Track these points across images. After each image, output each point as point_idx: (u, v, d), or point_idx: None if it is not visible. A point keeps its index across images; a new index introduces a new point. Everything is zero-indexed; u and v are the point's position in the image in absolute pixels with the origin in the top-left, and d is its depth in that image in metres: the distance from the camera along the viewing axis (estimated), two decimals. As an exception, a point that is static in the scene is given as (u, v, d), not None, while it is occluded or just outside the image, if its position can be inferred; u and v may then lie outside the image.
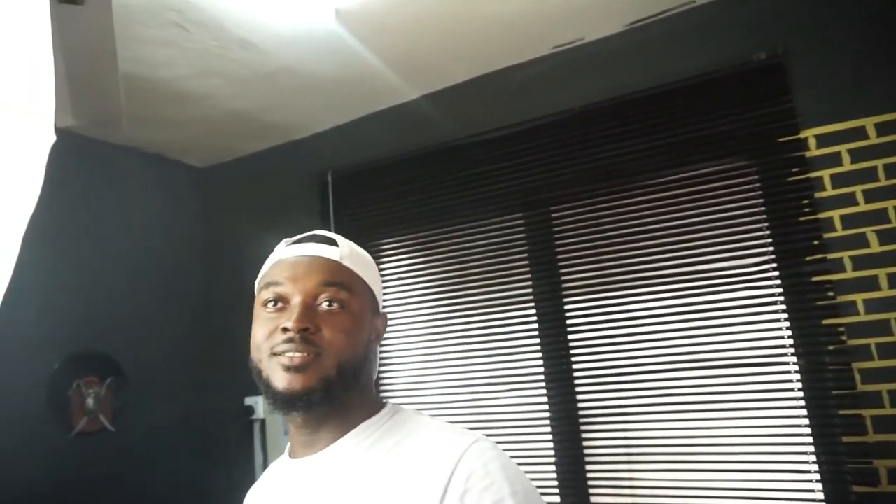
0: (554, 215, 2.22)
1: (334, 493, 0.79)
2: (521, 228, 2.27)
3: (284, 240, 0.92)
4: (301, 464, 0.85)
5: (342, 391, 0.82)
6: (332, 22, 1.85)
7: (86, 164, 2.53)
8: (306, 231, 0.91)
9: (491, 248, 2.30)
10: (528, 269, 2.24)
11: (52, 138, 0.99)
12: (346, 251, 0.88)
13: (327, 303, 0.83)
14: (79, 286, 2.44)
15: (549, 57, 2.23)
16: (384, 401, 0.90)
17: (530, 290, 2.22)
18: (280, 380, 0.80)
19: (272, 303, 0.84)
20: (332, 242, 0.88)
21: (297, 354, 0.79)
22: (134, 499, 2.41)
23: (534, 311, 2.21)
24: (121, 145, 2.66)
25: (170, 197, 2.89)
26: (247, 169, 2.96)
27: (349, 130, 2.66)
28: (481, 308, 2.31)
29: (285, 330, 0.80)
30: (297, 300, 0.82)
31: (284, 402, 0.80)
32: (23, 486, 2.09)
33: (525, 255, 2.25)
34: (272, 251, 0.91)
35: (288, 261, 0.87)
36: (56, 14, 0.92)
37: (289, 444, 0.92)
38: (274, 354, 0.81)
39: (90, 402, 2.42)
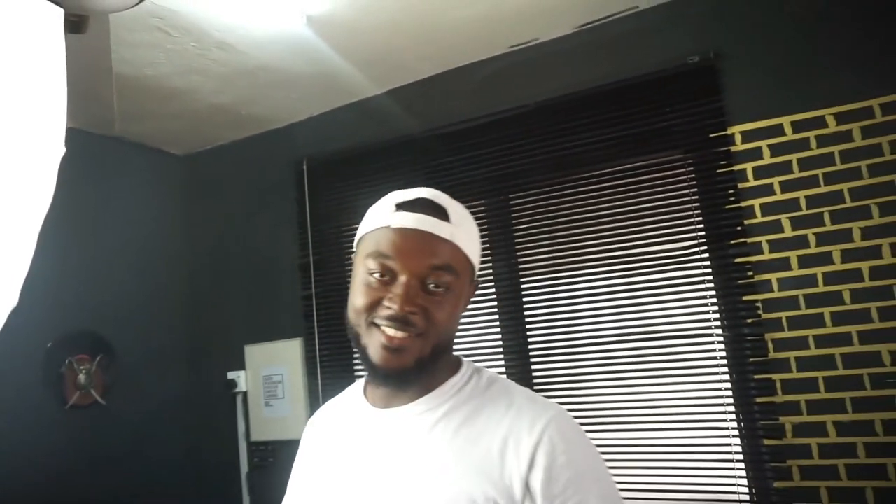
0: (512, 202, 2.43)
1: (417, 451, 0.84)
2: (483, 214, 2.47)
3: (391, 195, 0.89)
4: (385, 415, 0.89)
5: (432, 365, 0.86)
6: (303, 27, 2.01)
7: (70, 153, 2.65)
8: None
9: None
10: (488, 251, 2.44)
11: (62, 150, 1.17)
12: (457, 227, 0.86)
13: (433, 285, 0.83)
14: (69, 269, 2.58)
15: (507, 55, 2.41)
16: (458, 358, 0.94)
17: (490, 271, 2.43)
18: (377, 356, 0.83)
19: (377, 273, 0.83)
20: (444, 215, 0.85)
21: (399, 335, 0.81)
22: (125, 467, 2.60)
23: (493, 290, 2.42)
24: (103, 135, 2.78)
25: (152, 184, 3.03)
26: (226, 156, 3.10)
27: (323, 121, 2.81)
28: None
29: (389, 307, 0.81)
30: (403, 279, 0.81)
31: (379, 376, 0.86)
32: (20, 455, 2.27)
33: (486, 238, 2.45)
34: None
35: (397, 231, 0.84)
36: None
37: (364, 385, 0.96)
38: (374, 325, 0.83)
39: (82, 377, 2.59)
